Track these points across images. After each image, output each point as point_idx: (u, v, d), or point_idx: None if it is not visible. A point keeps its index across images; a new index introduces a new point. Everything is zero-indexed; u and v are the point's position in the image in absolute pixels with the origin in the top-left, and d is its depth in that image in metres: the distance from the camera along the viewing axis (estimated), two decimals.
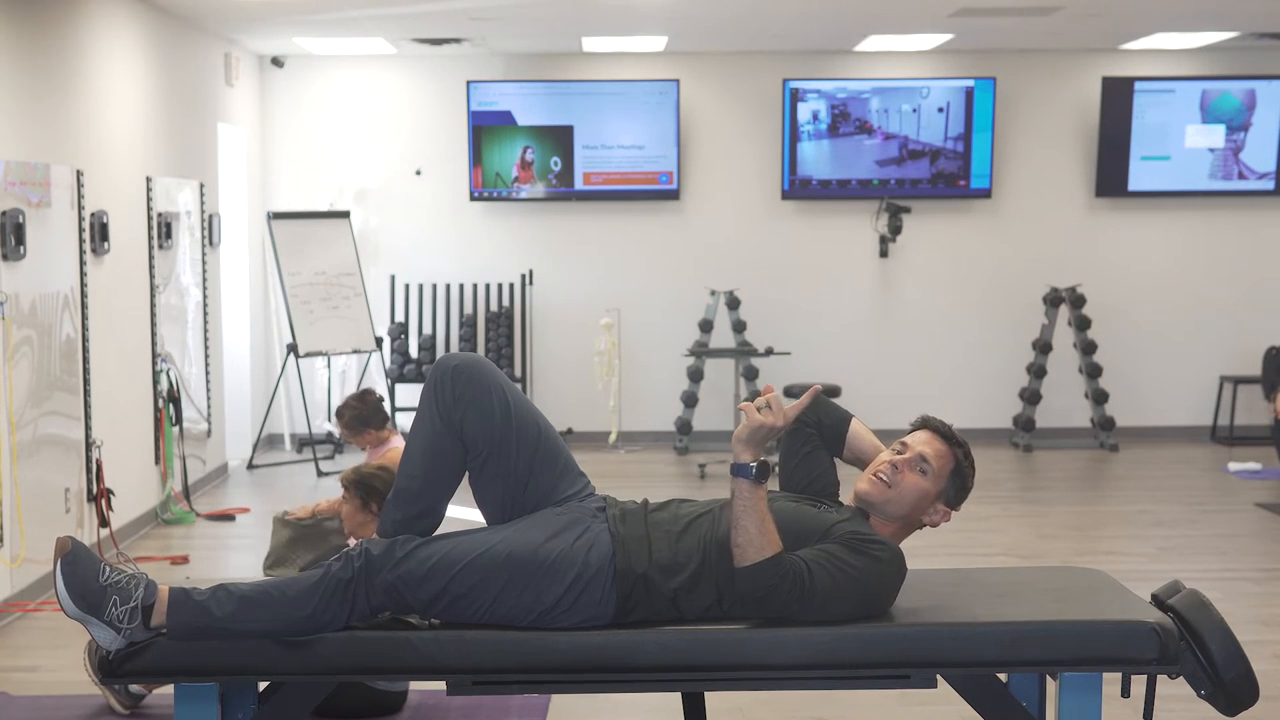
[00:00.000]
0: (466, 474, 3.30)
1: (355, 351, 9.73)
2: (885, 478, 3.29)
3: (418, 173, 10.17)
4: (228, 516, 7.91)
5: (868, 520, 3.30)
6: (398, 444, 6.15)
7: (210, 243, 8.79)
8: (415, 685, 4.67)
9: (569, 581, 3.12)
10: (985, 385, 10.31)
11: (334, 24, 8.69)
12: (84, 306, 6.68)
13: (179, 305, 8.21)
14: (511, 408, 3.25)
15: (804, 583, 3.08)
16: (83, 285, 6.67)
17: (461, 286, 10.13)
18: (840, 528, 3.22)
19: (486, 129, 9.98)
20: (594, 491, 3.38)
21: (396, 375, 9.91)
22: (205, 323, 8.64)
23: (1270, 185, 10.06)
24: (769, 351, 9.45)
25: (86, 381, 6.69)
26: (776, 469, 3.35)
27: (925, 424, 3.39)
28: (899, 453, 3.32)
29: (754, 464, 3.07)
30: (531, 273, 10.08)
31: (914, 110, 9.99)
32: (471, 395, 3.22)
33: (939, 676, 3.22)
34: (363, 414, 6.37)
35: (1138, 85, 9.95)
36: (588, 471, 3.44)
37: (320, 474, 9.08)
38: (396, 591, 3.10)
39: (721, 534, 3.16)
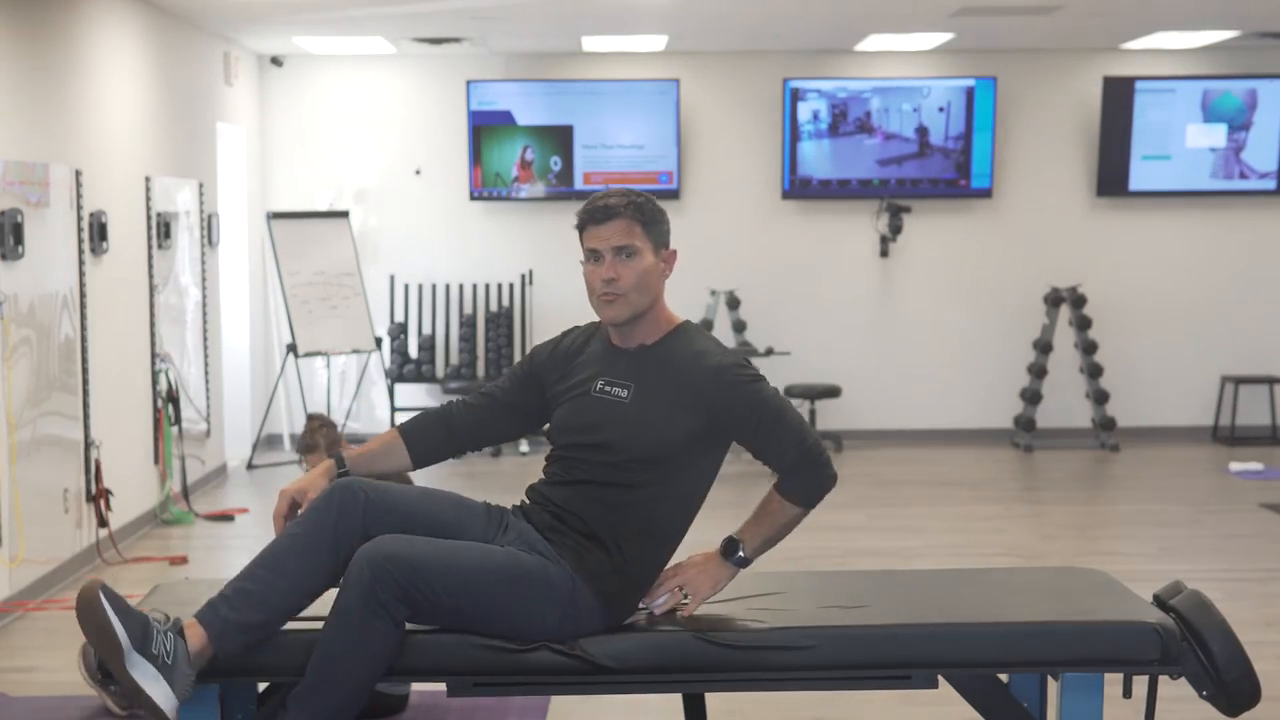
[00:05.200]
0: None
1: (355, 351, 9.73)
2: (615, 290, 3.24)
3: (417, 173, 10.16)
4: (227, 517, 7.90)
5: (644, 342, 3.30)
6: None
7: (209, 242, 8.78)
8: (415, 686, 4.66)
9: (558, 604, 3.16)
10: (986, 385, 10.30)
11: (334, 24, 8.69)
12: (83, 306, 6.66)
13: (178, 305, 8.20)
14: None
15: (788, 442, 3.21)
16: (82, 285, 6.66)
17: (461, 286, 10.13)
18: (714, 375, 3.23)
19: (486, 129, 9.97)
20: (499, 515, 3.35)
21: (396, 375, 9.91)
22: (204, 323, 8.63)
23: (1271, 185, 10.04)
24: (769, 351, 9.44)
25: (85, 381, 6.68)
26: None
27: (588, 219, 3.27)
28: (597, 261, 3.26)
29: (738, 555, 3.23)
30: (531, 273, 10.07)
31: (914, 110, 9.98)
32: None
33: (939, 676, 3.21)
34: (334, 428, 5.90)
35: (1138, 85, 9.94)
36: None
37: None
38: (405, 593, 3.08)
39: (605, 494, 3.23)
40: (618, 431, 3.22)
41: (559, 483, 3.29)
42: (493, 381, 3.52)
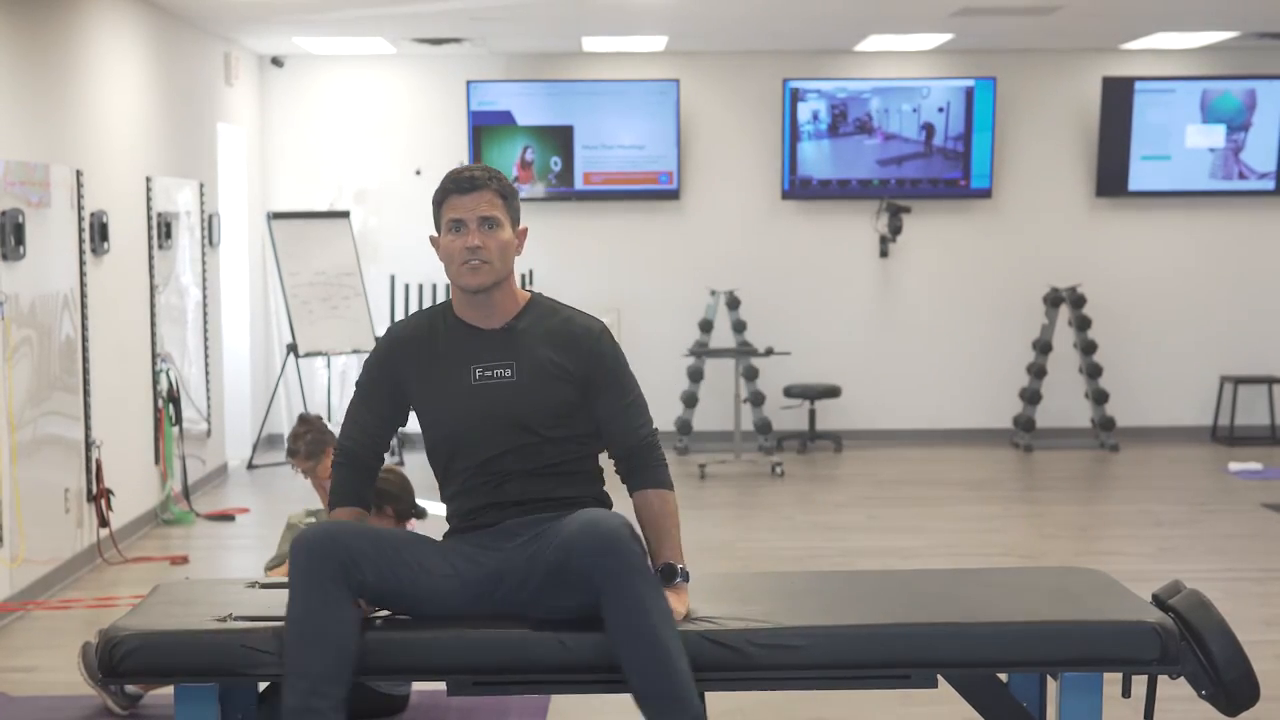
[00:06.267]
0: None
1: (355, 351, 9.73)
2: (480, 258, 3.25)
3: (418, 173, 10.16)
4: (227, 517, 7.90)
5: (514, 314, 3.33)
6: None
7: (210, 243, 8.79)
8: (415, 686, 4.66)
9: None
10: (985, 385, 10.30)
11: (334, 24, 8.69)
12: (84, 306, 6.67)
13: (179, 305, 8.20)
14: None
15: (645, 418, 3.35)
16: (82, 285, 6.66)
17: None
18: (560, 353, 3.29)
19: (486, 129, 9.97)
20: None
21: None
22: (205, 323, 8.64)
23: (1270, 185, 10.05)
24: (769, 351, 9.45)
25: (86, 381, 6.68)
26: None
27: (452, 189, 3.27)
28: (458, 231, 3.25)
29: (679, 571, 3.26)
30: (531, 273, 10.07)
31: (914, 110, 9.99)
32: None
33: (939, 676, 3.21)
34: (321, 432, 5.71)
35: (1138, 85, 9.95)
36: None
37: None
38: None
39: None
40: (519, 406, 3.26)
41: (494, 488, 3.30)
42: (356, 407, 3.49)
